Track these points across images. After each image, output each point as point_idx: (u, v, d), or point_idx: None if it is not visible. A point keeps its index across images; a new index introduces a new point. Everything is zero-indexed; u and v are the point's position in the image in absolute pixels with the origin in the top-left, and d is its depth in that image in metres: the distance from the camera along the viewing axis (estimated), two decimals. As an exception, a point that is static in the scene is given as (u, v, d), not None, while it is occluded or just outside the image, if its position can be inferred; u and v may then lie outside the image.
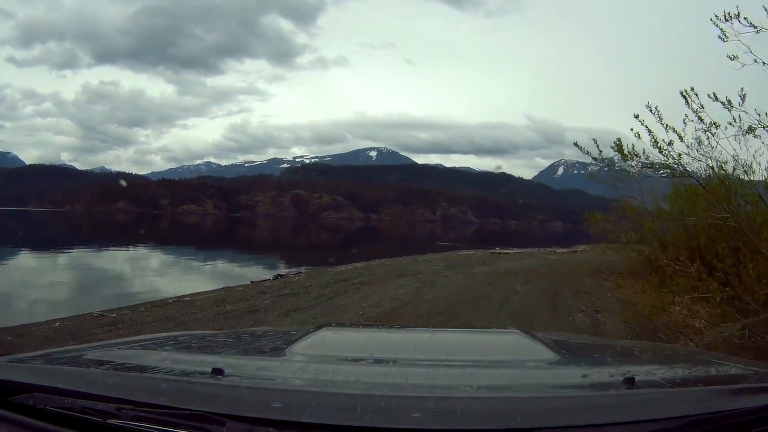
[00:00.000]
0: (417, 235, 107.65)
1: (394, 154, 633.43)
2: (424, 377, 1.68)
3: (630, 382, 1.48)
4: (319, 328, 2.47)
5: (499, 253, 31.61)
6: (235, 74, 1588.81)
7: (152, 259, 35.24)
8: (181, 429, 1.23)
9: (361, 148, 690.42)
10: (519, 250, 34.77)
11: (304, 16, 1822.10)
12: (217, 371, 1.48)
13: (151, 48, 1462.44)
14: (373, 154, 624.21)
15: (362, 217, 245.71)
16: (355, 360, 1.97)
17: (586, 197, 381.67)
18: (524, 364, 1.98)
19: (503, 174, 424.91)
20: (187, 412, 1.23)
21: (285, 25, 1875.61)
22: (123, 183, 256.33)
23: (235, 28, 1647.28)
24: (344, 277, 15.89)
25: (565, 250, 34.32)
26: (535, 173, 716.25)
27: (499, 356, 2.18)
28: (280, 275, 18.59)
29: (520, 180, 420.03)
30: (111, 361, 1.77)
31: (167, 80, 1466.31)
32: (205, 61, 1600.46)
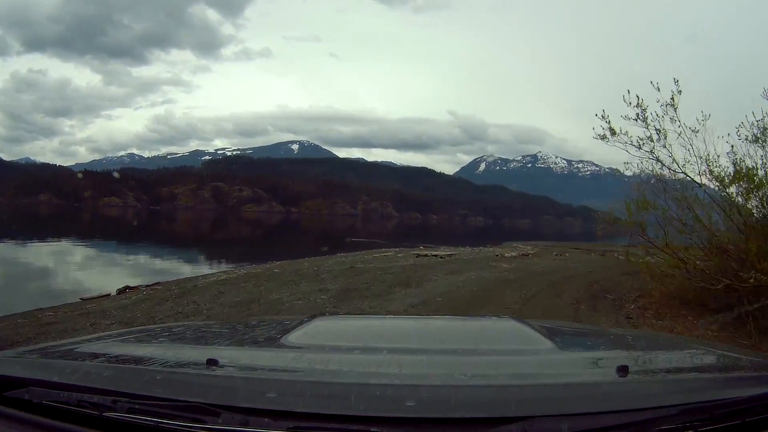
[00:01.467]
0: (335, 229, 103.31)
1: (316, 147, 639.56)
2: (418, 366, 1.70)
3: (623, 370, 1.48)
4: (313, 317, 2.47)
5: (426, 255, 24.15)
6: (160, 64, 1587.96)
7: (36, 256, 30.43)
8: (176, 420, 1.22)
9: (283, 141, 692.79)
10: (450, 251, 27.56)
11: (232, 7, 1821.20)
12: (212, 362, 1.48)
13: (80, 36, 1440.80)
14: (295, 147, 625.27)
15: (282, 211, 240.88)
16: (349, 349, 1.92)
17: (507, 193, 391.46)
18: (518, 352, 1.95)
19: (425, 169, 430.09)
20: (182, 403, 1.23)
21: (212, 15, 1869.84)
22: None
23: (163, 17, 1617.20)
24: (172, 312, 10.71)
25: (513, 253, 26.66)
26: (457, 169, 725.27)
27: (492, 344, 2.16)
28: (128, 288, 14.27)
29: (442, 175, 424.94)
30: (106, 354, 1.76)
31: (94, 69, 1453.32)
32: (131, 51, 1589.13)
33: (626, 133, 11.00)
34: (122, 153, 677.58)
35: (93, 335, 2.45)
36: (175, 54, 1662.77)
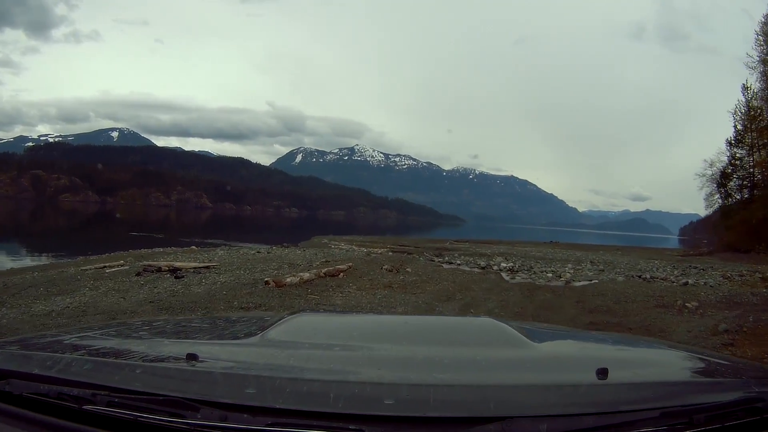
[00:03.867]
0: (137, 221, 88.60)
1: (136, 135, 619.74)
2: (398, 364, 1.66)
3: (603, 372, 1.43)
4: (293, 313, 2.37)
5: (157, 270, 14.45)
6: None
7: None
8: (156, 414, 1.21)
9: (104, 128, 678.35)
10: (209, 261, 17.28)
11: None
12: (192, 357, 1.43)
13: None
14: (115, 134, 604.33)
15: (98, 201, 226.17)
16: (329, 346, 1.84)
17: (323, 185, 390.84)
18: (498, 352, 1.90)
19: (241, 159, 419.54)
20: (162, 397, 1.21)
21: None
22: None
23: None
24: None
25: (308, 273, 14.98)
26: (274, 160, 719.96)
27: (472, 344, 2.07)
28: None
29: (258, 166, 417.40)
30: (87, 347, 1.72)
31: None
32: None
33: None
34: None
35: (73, 328, 2.40)
36: (8, 33, 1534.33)
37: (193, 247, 25.41)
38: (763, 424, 1.29)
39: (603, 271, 21.70)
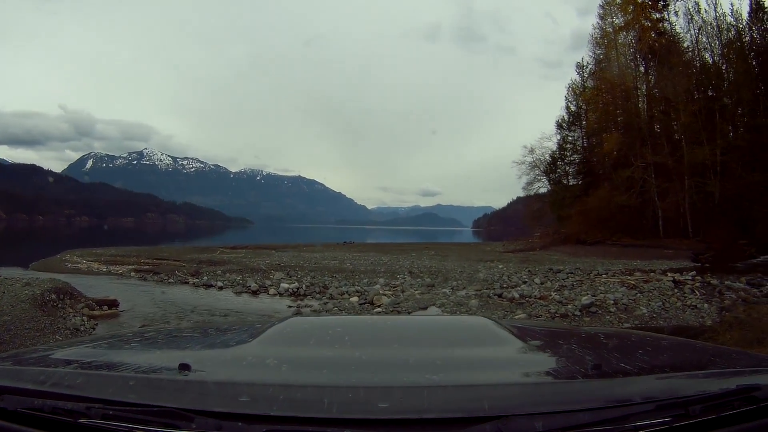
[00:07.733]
0: None
1: None
2: (391, 366, 1.60)
3: (597, 368, 1.43)
4: (284, 319, 2.24)
5: None
6: None
7: None
8: (150, 426, 1.14)
9: None
10: None
11: None
12: (184, 367, 1.37)
13: None
14: None
15: None
16: (322, 351, 1.77)
17: (113, 191, 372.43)
18: (491, 351, 1.80)
19: (33, 166, 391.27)
20: (156, 408, 1.16)
21: None
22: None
23: None
24: None
25: None
26: (65, 166, 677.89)
27: (465, 343, 1.96)
28: None
29: (50, 173, 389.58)
30: (79, 360, 1.63)
31: None
32: None
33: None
34: None
35: (65, 341, 2.09)
36: None
37: None
38: (759, 413, 1.23)
39: (433, 286, 14.13)
